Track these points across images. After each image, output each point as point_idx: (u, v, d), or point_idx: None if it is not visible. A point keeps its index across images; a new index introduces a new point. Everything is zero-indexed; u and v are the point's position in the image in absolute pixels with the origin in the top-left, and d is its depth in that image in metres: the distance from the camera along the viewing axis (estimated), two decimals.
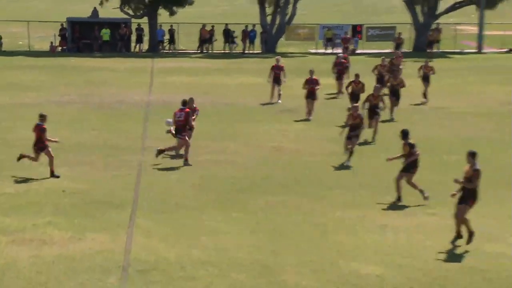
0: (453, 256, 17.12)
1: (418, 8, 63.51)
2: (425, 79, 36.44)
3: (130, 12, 61.95)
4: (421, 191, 20.69)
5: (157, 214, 19.94)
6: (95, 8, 63.34)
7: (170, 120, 22.91)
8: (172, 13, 61.26)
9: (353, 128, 24.71)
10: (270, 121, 29.04)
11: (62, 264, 16.27)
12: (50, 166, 22.63)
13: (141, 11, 61.75)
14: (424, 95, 36.54)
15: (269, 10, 61.71)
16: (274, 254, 17.13)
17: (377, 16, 78.29)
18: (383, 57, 38.52)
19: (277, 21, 61.50)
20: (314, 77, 33.02)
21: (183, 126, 24.69)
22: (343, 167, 24.58)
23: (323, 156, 25.93)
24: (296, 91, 38.00)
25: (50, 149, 22.58)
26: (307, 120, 31.69)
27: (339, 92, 38.13)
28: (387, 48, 59.92)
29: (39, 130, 22.49)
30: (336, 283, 15.60)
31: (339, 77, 38.12)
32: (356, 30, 62.73)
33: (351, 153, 24.65)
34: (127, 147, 27.05)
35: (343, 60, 38.95)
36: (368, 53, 58.27)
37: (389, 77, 34.54)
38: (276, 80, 36.19)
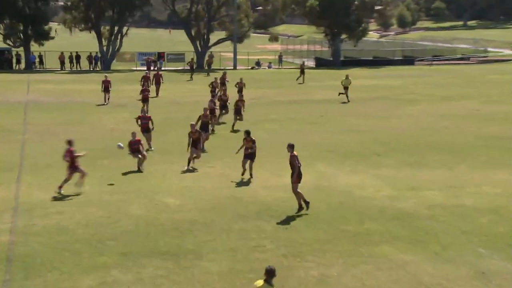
0: (226, 191, 17.43)
1: (198, 42, 64.05)
2: (240, 90, 32.57)
3: (11, 43, 58.90)
4: (251, 174, 18.71)
5: (35, 172, 19.15)
6: None
7: (121, 144, 19.62)
8: (40, 44, 59.02)
9: (195, 141, 20.14)
10: (106, 113, 28.09)
11: None
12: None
13: (19, 43, 58.84)
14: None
15: (105, 42, 60.40)
16: (120, 194, 16.92)
17: (173, 46, 77.71)
18: (215, 77, 36.05)
19: (110, 49, 60.31)
20: (148, 88, 31.84)
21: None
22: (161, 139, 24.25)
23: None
24: (124, 94, 37.27)
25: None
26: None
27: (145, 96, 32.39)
28: (180, 66, 60.05)
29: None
30: (153, 209, 15.73)
31: (144, 85, 35.00)
32: (161, 55, 62.29)
33: (192, 160, 20.03)
34: (13, 130, 25.61)
35: (148, 75, 37.18)
36: (169, 69, 58.04)
37: (219, 91, 31.49)
38: (106, 89, 34.61)
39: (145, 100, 30.58)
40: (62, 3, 67.80)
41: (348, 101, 35.60)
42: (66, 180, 17.05)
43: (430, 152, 22.60)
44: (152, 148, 22.16)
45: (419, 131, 26.76)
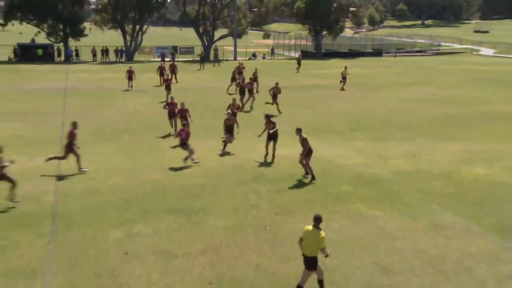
0: (229, 161, 17.30)
1: (204, 37, 63.46)
2: (255, 80, 31.60)
3: (53, 39, 58.46)
4: (273, 155, 17.08)
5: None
6: (33, 38, 60.03)
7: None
8: (77, 40, 58.93)
9: (229, 128, 18.36)
10: (130, 97, 27.72)
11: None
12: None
13: (59, 39, 58.47)
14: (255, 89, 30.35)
15: (128, 38, 60.02)
16: (140, 164, 16.81)
17: (184, 41, 76.93)
18: (235, 67, 34.77)
19: (133, 44, 59.96)
20: (169, 77, 30.73)
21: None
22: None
23: (160, 115, 24.98)
24: (144, 81, 36.93)
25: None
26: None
27: (167, 84, 31.08)
28: (190, 57, 59.51)
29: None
30: (168, 176, 15.58)
31: (161, 73, 34.87)
32: (174, 48, 61.51)
33: (225, 144, 18.31)
34: (52, 112, 25.36)
35: (163, 65, 36.42)
36: (181, 60, 57.44)
37: (239, 78, 29.95)
38: (130, 78, 33.88)
39: (167, 87, 29.45)
40: (94, 7, 67.90)
41: (343, 89, 34.43)
42: (190, 153, 16.51)
43: (395, 128, 22.55)
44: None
45: (387, 112, 26.64)
